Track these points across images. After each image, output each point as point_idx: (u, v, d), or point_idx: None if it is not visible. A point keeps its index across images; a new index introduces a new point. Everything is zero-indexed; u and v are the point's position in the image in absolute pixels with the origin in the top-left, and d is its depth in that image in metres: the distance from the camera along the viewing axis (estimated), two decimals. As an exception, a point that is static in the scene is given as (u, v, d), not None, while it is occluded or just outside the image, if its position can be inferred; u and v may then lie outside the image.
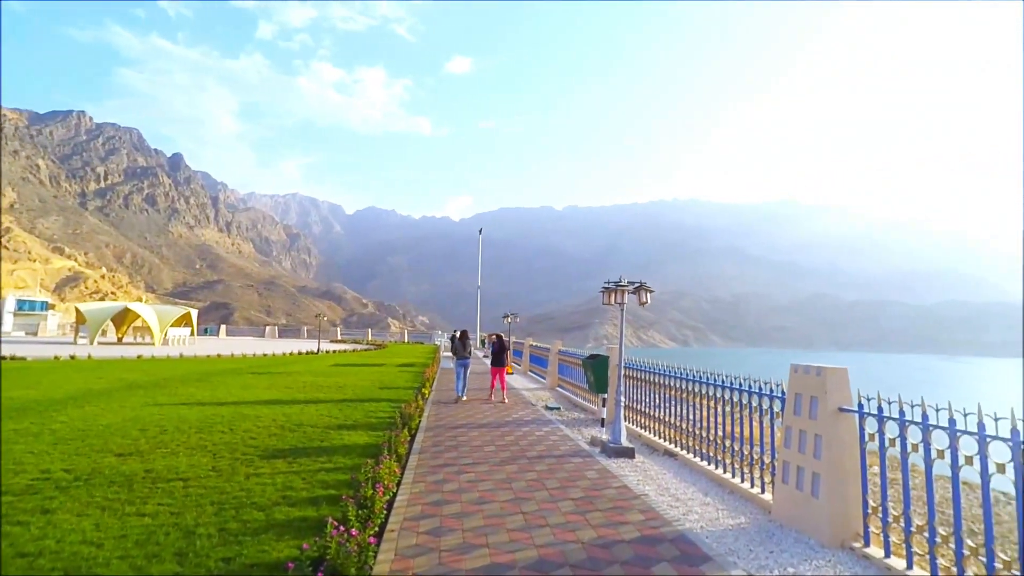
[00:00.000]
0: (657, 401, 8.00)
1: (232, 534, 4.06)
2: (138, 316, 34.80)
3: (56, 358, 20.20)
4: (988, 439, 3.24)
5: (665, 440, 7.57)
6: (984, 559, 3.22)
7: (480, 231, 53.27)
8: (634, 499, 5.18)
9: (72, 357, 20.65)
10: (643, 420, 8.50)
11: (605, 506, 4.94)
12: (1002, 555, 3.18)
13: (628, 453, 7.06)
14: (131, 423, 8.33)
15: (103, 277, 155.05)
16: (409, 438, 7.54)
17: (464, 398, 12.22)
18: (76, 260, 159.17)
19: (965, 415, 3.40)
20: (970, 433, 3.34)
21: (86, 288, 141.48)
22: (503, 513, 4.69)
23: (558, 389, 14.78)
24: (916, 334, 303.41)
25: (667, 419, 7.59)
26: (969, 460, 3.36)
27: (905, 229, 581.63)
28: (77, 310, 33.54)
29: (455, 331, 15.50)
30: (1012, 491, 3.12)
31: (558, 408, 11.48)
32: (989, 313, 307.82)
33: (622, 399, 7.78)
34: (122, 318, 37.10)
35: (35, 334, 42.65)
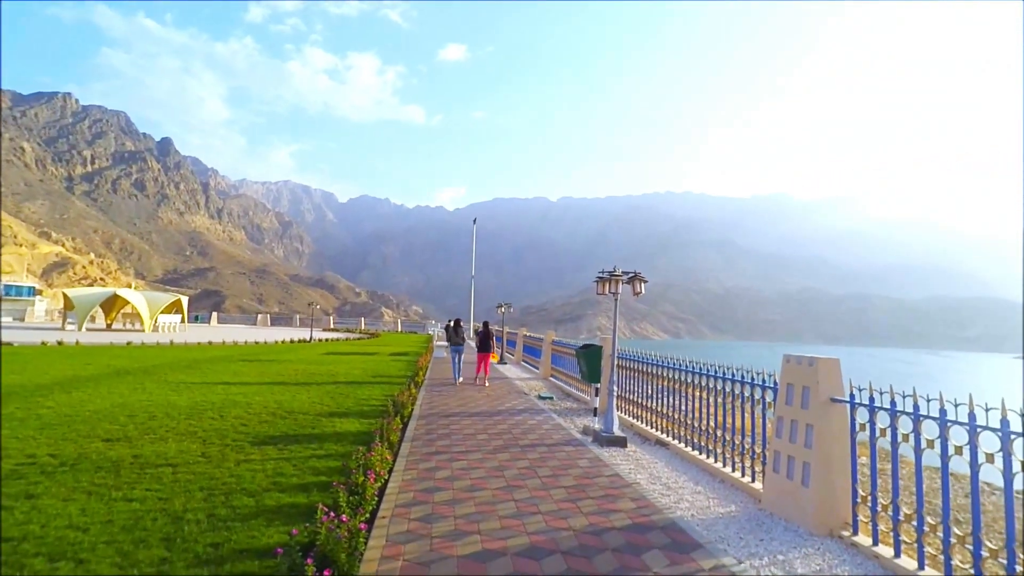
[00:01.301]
0: (649, 391, 8.02)
1: (221, 520, 4.02)
2: (127, 302, 34.35)
3: (43, 344, 19.91)
4: (979, 429, 3.26)
5: (657, 430, 7.60)
6: (971, 547, 3.26)
7: (475, 221, 52.83)
8: (625, 487, 5.20)
9: (59, 343, 20.36)
10: (635, 410, 8.53)
11: (597, 494, 4.95)
12: (989, 544, 3.22)
13: (620, 442, 7.08)
14: (119, 409, 8.22)
15: (91, 263, 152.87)
16: (401, 426, 7.52)
17: (460, 379, 13.21)
18: (63, 245, 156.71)
19: (956, 406, 3.42)
20: (960, 423, 3.36)
21: (74, 274, 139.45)
22: (495, 500, 4.68)
23: (551, 379, 14.81)
24: (901, 328, 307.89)
25: (659, 409, 7.62)
26: (959, 450, 3.38)
27: (892, 225, 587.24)
28: (65, 296, 33.02)
29: (449, 320, 15.71)
30: (997, 481, 3.14)
31: (551, 397, 11.50)
32: (971, 308, 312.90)
33: (615, 389, 7.79)
34: (111, 304, 36.63)
35: (22, 320, 42.01)
